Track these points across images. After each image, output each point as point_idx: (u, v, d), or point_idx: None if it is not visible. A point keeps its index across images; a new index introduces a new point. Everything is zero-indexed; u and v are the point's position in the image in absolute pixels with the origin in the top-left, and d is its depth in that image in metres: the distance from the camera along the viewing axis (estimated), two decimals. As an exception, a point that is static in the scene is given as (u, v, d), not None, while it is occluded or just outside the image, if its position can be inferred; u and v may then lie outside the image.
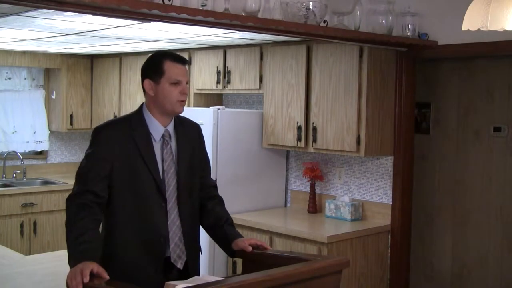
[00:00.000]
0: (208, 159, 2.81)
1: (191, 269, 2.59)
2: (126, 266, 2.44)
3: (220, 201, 2.79)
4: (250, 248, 2.52)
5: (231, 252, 2.62)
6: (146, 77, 2.57)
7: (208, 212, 2.72)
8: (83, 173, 2.48)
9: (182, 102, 2.56)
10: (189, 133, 2.69)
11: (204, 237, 2.81)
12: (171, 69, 2.52)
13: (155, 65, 2.54)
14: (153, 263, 2.50)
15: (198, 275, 2.64)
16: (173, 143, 2.60)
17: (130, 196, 2.48)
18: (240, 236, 2.63)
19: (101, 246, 2.39)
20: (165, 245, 2.52)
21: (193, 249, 2.64)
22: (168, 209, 2.54)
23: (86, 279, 2.12)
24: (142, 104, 2.64)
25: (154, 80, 2.54)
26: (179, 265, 2.55)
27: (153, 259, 2.50)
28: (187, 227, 2.59)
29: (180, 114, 2.64)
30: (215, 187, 2.83)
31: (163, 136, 2.56)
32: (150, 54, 2.67)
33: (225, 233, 2.64)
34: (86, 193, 2.42)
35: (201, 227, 2.75)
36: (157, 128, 2.56)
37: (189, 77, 5.35)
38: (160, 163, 2.54)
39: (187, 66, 2.60)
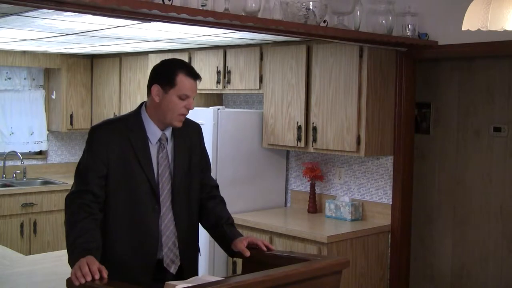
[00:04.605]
0: (209, 159, 2.79)
1: (186, 272, 2.56)
2: (118, 266, 2.40)
3: (221, 201, 2.76)
4: (248, 253, 2.49)
5: (231, 252, 2.60)
6: (155, 82, 2.51)
7: (209, 212, 2.69)
8: (83, 172, 2.48)
9: (183, 116, 2.53)
10: (188, 133, 2.66)
11: (204, 237, 2.81)
12: (184, 82, 2.48)
13: (169, 74, 2.49)
14: (145, 265, 2.49)
15: (197, 275, 2.63)
16: (170, 146, 2.57)
17: (124, 196, 2.47)
18: (240, 235, 2.60)
19: (101, 246, 2.38)
20: (157, 248, 2.51)
21: (190, 253, 2.62)
22: (162, 213, 2.52)
23: (97, 275, 2.13)
24: (142, 104, 2.60)
25: (163, 87, 2.49)
26: (172, 269, 2.54)
27: (145, 261, 2.49)
28: (182, 232, 2.56)
29: None
30: (217, 187, 2.80)
31: (159, 140, 2.54)
32: (163, 59, 2.61)
33: (224, 233, 2.62)
34: (85, 193, 2.43)
35: (201, 227, 2.74)
36: (154, 131, 2.54)
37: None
38: (155, 166, 2.52)
39: (198, 81, 2.55)
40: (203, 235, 2.79)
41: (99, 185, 2.45)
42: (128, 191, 2.47)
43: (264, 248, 2.51)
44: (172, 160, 2.56)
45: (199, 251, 2.71)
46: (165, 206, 2.53)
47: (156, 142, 2.54)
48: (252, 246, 2.52)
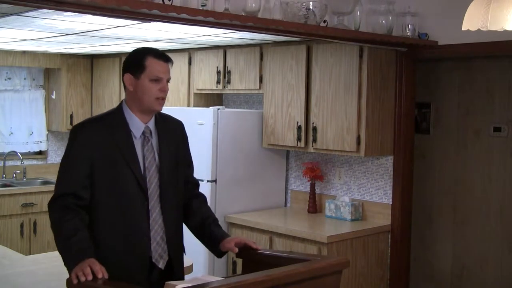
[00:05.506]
0: (191, 157, 2.75)
1: (175, 268, 2.55)
2: (109, 266, 2.31)
3: (204, 201, 2.76)
4: (236, 250, 2.51)
5: (218, 252, 2.61)
6: (127, 71, 2.50)
7: (194, 212, 2.68)
8: (63, 175, 2.44)
9: (161, 100, 2.50)
10: (171, 130, 2.63)
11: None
12: (153, 65, 2.46)
13: (137, 59, 2.48)
14: (137, 263, 2.44)
15: (183, 275, 2.62)
16: (154, 140, 2.53)
17: (111, 195, 2.42)
18: (227, 235, 2.61)
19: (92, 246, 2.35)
20: (148, 244, 2.47)
21: (176, 248, 2.58)
22: (150, 207, 2.47)
23: (100, 274, 2.14)
24: (122, 101, 2.57)
25: (134, 75, 2.47)
26: (161, 265, 2.50)
27: (137, 259, 2.44)
28: (170, 226, 2.53)
29: (162, 112, 2.59)
30: (198, 185, 2.78)
31: (143, 133, 2.50)
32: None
33: (212, 233, 2.62)
34: (67, 196, 2.39)
35: (185, 227, 2.71)
36: (137, 125, 2.50)
37: (189, 77, 5.36)
38: (141, 160, 2.47)
39: (170, 64, 2.53)
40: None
41: (83, 186, 2.40)
42: (116, 189, 2.43)
43: (253, 245, 2.52)
44: (158, 153, 2.52)
45: (184, 250, 2.67)
46: (153, 199, 2.49)
47: (140, 136, 2.50)
48: (239, 246, 2.53)
